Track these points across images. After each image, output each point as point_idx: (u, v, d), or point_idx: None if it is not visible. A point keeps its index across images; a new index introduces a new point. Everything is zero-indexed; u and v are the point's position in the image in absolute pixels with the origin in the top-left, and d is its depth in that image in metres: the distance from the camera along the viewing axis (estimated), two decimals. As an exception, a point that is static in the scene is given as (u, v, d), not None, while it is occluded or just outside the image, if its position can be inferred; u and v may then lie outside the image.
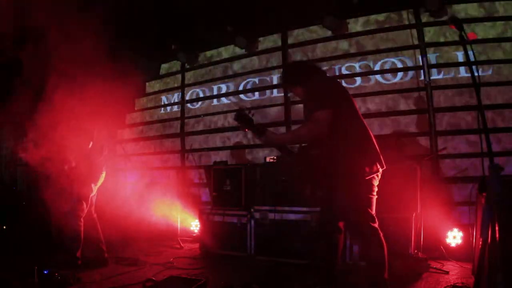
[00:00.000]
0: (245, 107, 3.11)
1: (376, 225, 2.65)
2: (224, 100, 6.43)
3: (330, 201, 2.78)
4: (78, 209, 4.00)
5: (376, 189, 2.68)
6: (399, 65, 5.06)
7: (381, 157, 2.71)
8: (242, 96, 6.25)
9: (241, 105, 5.70)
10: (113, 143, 6.61)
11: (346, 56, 5.40)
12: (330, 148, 2.67)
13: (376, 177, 2.67)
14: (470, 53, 2.12)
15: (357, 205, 2.63)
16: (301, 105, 5.61)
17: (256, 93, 6.14)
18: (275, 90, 5.97)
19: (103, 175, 4.20)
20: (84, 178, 4.02)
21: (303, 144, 2.92)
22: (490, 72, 4.60)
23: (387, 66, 5.13)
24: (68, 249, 3.97)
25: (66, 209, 3.98)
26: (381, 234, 2.64)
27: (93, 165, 4.08)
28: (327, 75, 3.13)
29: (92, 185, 4.08)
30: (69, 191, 3.98)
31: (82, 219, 4.03)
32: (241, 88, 6.24)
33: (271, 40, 6.02)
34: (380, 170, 2.68)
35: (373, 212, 2.66)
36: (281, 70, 3.31)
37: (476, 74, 2.01)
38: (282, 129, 5.75)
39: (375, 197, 2.68)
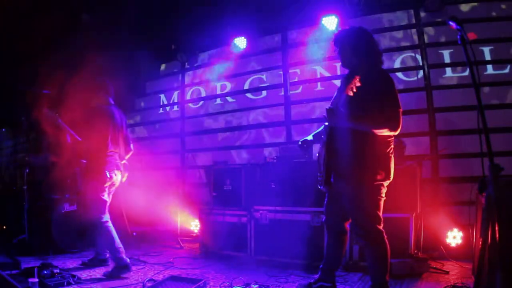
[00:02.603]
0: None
1: (381, 227, 2.66)
2: (229, 99, 6.40)
3: (339, 200, 2.79)
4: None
5: (385, 190, 2.69)
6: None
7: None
8: (248, 95, 6.24)
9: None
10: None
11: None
12: (354, 145, 2.63)
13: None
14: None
15: (367, 207, 2.64)
16: (300, 105, 5.68)
17: (264, 92, 6.10)
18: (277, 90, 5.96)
19: (118, 174, 4.07)
20: (90, 174, 3.97)
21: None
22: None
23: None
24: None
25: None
26: (385, 237, 2.65)
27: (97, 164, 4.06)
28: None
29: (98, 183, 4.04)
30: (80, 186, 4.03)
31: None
32: (246, 86, 6.22)
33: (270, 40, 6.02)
34: (390, 179, 2.70)
35: (381, 213, 2.68)
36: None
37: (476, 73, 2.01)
38: (282, 129, 5.75)
39: (383, 199, 2.69)
